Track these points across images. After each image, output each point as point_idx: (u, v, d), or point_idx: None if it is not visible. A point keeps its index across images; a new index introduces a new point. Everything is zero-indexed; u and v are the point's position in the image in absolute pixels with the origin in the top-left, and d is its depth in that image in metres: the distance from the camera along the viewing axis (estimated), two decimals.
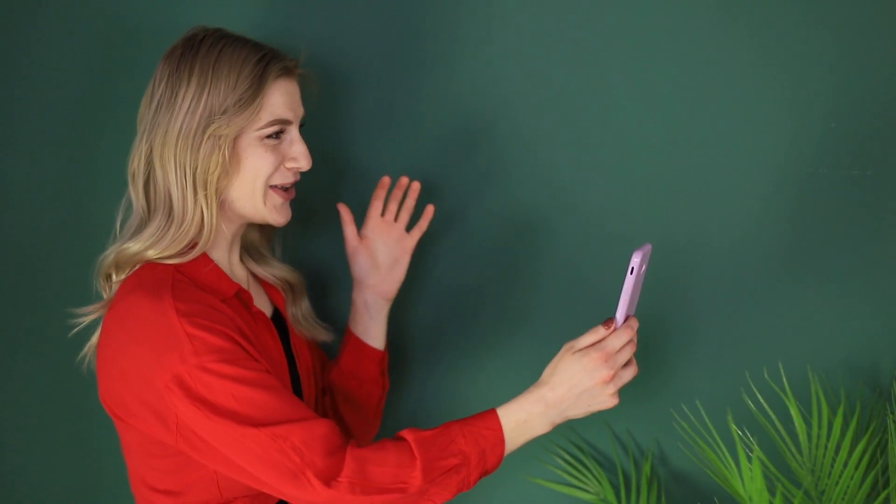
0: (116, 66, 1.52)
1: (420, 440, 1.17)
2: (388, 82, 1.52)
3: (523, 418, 1.19)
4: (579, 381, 1.18)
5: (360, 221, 1.47)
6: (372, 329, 1.45)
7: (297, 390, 1.34)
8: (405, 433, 1.18)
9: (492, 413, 1.20)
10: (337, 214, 1.45)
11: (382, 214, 1.45)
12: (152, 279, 1.18)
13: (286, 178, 1.27)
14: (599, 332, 1.20)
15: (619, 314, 1.20)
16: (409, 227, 1.46)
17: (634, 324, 1.21)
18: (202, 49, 1.21)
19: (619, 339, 1.19)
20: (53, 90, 1.54)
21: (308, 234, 1.56)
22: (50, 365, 1.60)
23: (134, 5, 1.52)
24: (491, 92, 1.50)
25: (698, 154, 1.47)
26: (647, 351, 1.44)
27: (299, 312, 1.42)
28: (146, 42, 1.46)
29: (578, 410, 1.20)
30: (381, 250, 1.45)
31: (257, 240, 1.41)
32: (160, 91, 1.21)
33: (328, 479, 1.13)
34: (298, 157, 1.27)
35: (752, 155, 1.46)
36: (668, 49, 1.46)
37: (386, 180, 1.45)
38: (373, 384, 1.46)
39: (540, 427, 1.20)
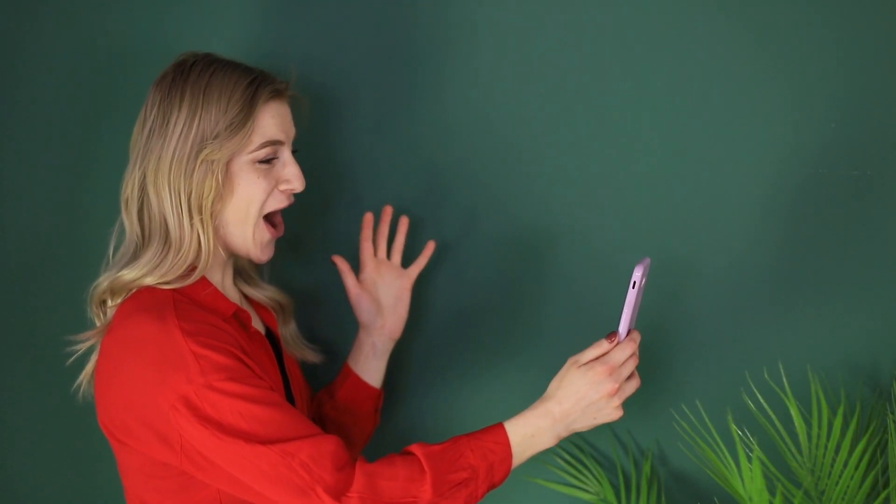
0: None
1: (430, 454, 1.18)
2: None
3: (531, 432, 1.21)
4: (585, 394, 1.20)
5: (352, 252, 1.47)
6: (374, 369, 1.47)
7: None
8: (414, 448, 1.19)
9: (499, 427, 1.21)
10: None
11: (375, 253, 1.46)
12: (153, 301, 1.18)
13: (280, 202, 1.27)
14: (603, 345, 1.22)
15: (622, 328, 1.22)
16: (406, 263, 1.48)
17: (637, 337, 1.23)
18: (192, 74, 1.21)
19: (623, 352, 1.21)
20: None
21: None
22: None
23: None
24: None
25: (698, 155, 1.47)
26: (648, 351, 1.43)
27: (287, 333, 1.43)
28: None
29: (584, 423, 1.22)
30: (382, 291, 1.46)
31: (247, 264, 1.41)
32: (152, 117, 1.21)
33: (338, 494, 1.13)
34: (291, 178, 1.27)
35: (753, 155, 1.46)
36: (668, 50, 1.46)
37: (369, 217, 1.46)
38: (367, 420, 1.48)
39: (546, 441, 1.22)
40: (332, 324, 1.56)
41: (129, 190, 1.22)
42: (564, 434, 1.22)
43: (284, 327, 1.43)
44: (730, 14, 1.44)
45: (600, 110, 1.48)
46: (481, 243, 1.54)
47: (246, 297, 1.39)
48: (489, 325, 1.56)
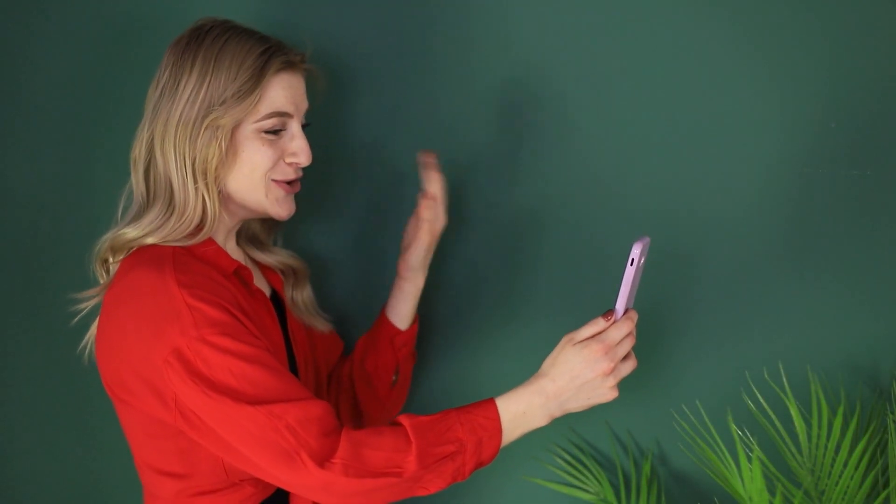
0: (122, 54, 1.53)
1: (417, 426, 1.16)
2: (395, 76, 1.52)
3: (522, 409, 1.18)
4: (580, 372, 1.17)
5: (381, 214, 1.50)
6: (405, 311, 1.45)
7: (294, 373, 1.34)
8: (402, 418, 1.17)
9: (490, 402, 1.19)
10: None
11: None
12: (152, 255, 1.18)
13: (286, 174, 1.27)
14: (599, 323, 1.19)
15: (619, 306, 1.19)
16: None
17: (634, 316, 1.21)
18: (207, 39, 1.22)
19: (619, 330, 1.18)
20: (59, 81, 1.55)
21: (312, 227, 1.56)
22: (50, 355, 1.61)
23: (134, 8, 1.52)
24: (498, 88, 1.50)
25: (698, 154, 1.47)
26: (648, 351, 1.44)
27: (300, 299, 1.42)
28: (155, 33, 1.46)
29: (578, 403, 1.19)
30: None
31: (258, 230, 1.41)
32: (164, 79, 1.22)
33: (322, 459, 1.12)
34: (298, 151, 1.27)
35: (753, 155, 1.46)
36: (668, 49, 1.45)
37: (432, 158, 1.40)
38: (386, 357, 1.46)
39: (538, 419, 1.19)
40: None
41: (138, 150, 1.23)
42: (557, 413, 1.19)
43: (297, 292, 1.42)
44: (730, 14, 1.44)
45: (608, 107, 1.48)
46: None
47: (252, 259, 1.39)
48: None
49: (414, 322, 1.47)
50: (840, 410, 1.37)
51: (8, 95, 1.56)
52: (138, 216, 1.23)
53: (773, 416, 1.42)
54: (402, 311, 1.44)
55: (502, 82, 1.50)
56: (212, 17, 1.26)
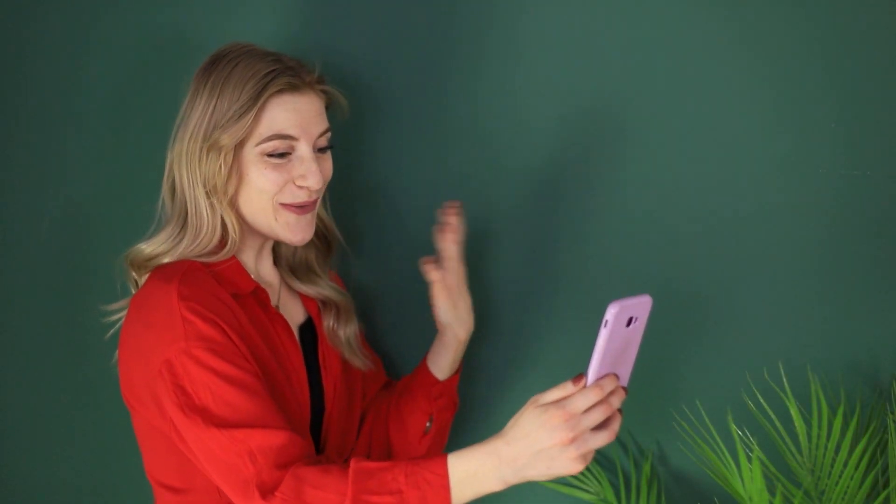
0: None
1: (360, 470, 1.12)
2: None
3: (473, 470, 1.10)
4: (536, 439, 1.07)
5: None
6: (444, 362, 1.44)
7: (319, 401, 1.34)
8: (353, 460, 1.14)
9: (441, 459, 1.12)
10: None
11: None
12: (170, 269, 1.21)
13: (296, 197, 1.26)
14: (567, 387, 1.08)
15: (591, 371, 1.07)
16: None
17: (608, 385, 1.07)
18: (220, 64, 1.24)
19: (585, 399, 1.06)
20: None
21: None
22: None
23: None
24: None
25: (698, 154, 1.47)
26: (648, 351, 1.44)
27: (342, 333, 1.40)
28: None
29: (536, 472, 1.08)
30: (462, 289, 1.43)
31: (312, 258, 1.40)
32: (184, 104, 1.26)
33: (266, 492, 1.11)
34: (306, 174, 1.25)
35: (752, 155, 1.46)
36: (669, 51, 1.46)
37: (454, 217, 1.38)
38: (420, 404, 1.44)
39: (491, 482, 1.10)
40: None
41: (166, 170, 1.27)
42: (513, 480, 1.09)
43: (339, 325, 1.40)
44: (730, 14, 1.44)
45: (609, 113, 1.48)
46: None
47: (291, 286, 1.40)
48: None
49: (455, 373, 1.44)
50: (840, 410, 1.37)
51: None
52: (155, 233, 1.27)
53: (773, 416, 1.42)
54: (439, 361, 1.43)
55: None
56: (234, 43, 1.28)
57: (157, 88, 1.54)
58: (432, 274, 1.38)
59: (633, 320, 1.05)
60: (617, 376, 1.09)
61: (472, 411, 1.56)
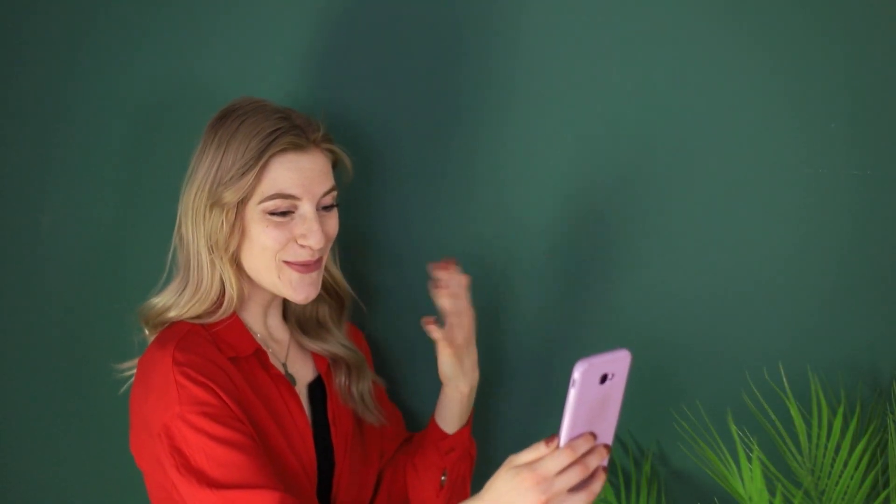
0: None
1: None
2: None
3: None
4: (509, 501, 1.03)
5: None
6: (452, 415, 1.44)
7: (328, 459, 1.34)
8: None
9: None
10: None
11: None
12: (169, 331, 1.24)
13: (299, 256, 1.26)
14: (539, 449, 1.04)
15: (563, 432, 1.03)
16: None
17: (581, 446, 1.03)
18: (229, 119, 1.24)
19: (557, 461, 1.03)
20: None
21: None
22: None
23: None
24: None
25: (698, 154, 1.47)
26: (647, 351, 1.45)
27: (355, 390, 1.40)
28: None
29: None
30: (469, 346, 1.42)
31: (324, 315, 1.40)
32: (194, 157, 1.27)
33: None
34: (308, 234, 1.25)
35: (752, 155, 1.46)
36: (668, 51, 1.45)
37: (463, 278, 1.37)
38: (429, 457, 1.44)
39: None
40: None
41: (177, 222, 1.29)
42: None
43: (352, 382, 1.40)
44: (730, 14, 1.44)
45: (606, 101, 1.48)
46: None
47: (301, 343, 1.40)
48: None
49: (465, 426, 1.44)
50: (840, 410, 1.37)
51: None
52: (165, 285, 1.29)
53: (774, 416, 1.43)
54: (445, 415, 1.42)
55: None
56: (245, 98, 1.28)
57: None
58: (433, 333, 1.36)
59: (610, 376, 1.02)
60: (595, 435, 1.05)
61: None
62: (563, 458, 1.03)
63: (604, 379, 1.01)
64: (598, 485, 1.05)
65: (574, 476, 1.03)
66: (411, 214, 1.54)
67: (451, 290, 1.34)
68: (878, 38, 1.42)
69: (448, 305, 1.35)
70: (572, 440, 1.03)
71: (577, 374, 0.99)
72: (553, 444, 1.03)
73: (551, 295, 1.53)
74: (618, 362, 1.02)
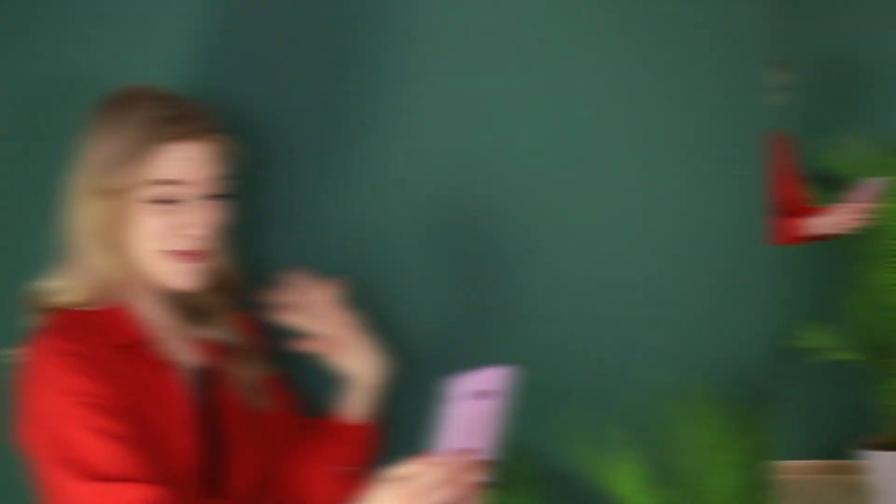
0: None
1: None
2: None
3: None
4: None
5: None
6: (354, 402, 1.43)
7: (215, 448, 1.30)
8: None
9: None
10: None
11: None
12: (56, 318, 1.24)
13: (184, 244, 1.25)
14: (416, 464, 1.08)
15: (438, 448, 1.07)
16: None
17: (457, 462, 1.07)
18: (114, 107, 1.25)
19: (429, 476, 1.06)
20: None
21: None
22: None
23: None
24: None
25: (578, 158, 1.48)
26: (529, 353, 1.45)
27: (243, 377, 1.37)
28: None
29: None
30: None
31: (211, 304, 1.36)
32: (80, 145, 1.25)
33: None
34: (192, 223, 1.24)
35: (632, 159, 1.48)
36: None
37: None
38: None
39: None
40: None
41: (62, 210, 1.27)
42: None
43: (241, 370, 1.37)
44: (612, 16, 1.47)
45: (493, 115, 1.49)
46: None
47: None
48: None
49: (367, 417, 1.42)
50: (719, 410, 1.39)
51: None
52: (51, 270, 1.27)
53: (654, 417, 1.44)
54: (347, 403, 1.41)
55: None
56: (133, 85, 1.27)
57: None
58: (308, 349, 1.38)
59: (487, 393, 1.04)
60: (473, 450, 1.08)
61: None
62: (438, 473, 1.06)
63: (481, 395, 1.03)
64: (472, 501, 1.09)
65: (447, 491, 1.06)
66: (299, 206, 1.51)
67: (296, 308, 1.37)
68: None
69: (303, 322, 1.37)
70: (448, 456, 1.06)
71: (448, 390, 1.02)
72: (429, 460, 1.06)
73: (435, 299, 1.52)
74: (494, 379, 1.05)
